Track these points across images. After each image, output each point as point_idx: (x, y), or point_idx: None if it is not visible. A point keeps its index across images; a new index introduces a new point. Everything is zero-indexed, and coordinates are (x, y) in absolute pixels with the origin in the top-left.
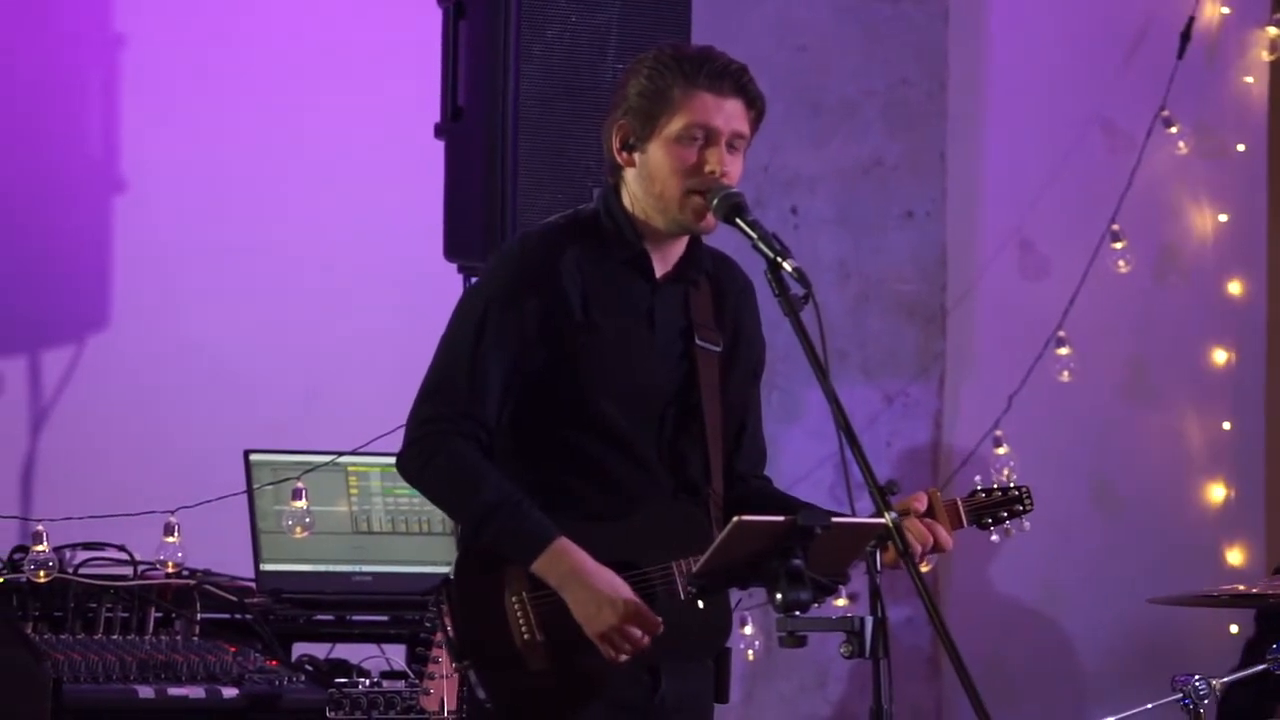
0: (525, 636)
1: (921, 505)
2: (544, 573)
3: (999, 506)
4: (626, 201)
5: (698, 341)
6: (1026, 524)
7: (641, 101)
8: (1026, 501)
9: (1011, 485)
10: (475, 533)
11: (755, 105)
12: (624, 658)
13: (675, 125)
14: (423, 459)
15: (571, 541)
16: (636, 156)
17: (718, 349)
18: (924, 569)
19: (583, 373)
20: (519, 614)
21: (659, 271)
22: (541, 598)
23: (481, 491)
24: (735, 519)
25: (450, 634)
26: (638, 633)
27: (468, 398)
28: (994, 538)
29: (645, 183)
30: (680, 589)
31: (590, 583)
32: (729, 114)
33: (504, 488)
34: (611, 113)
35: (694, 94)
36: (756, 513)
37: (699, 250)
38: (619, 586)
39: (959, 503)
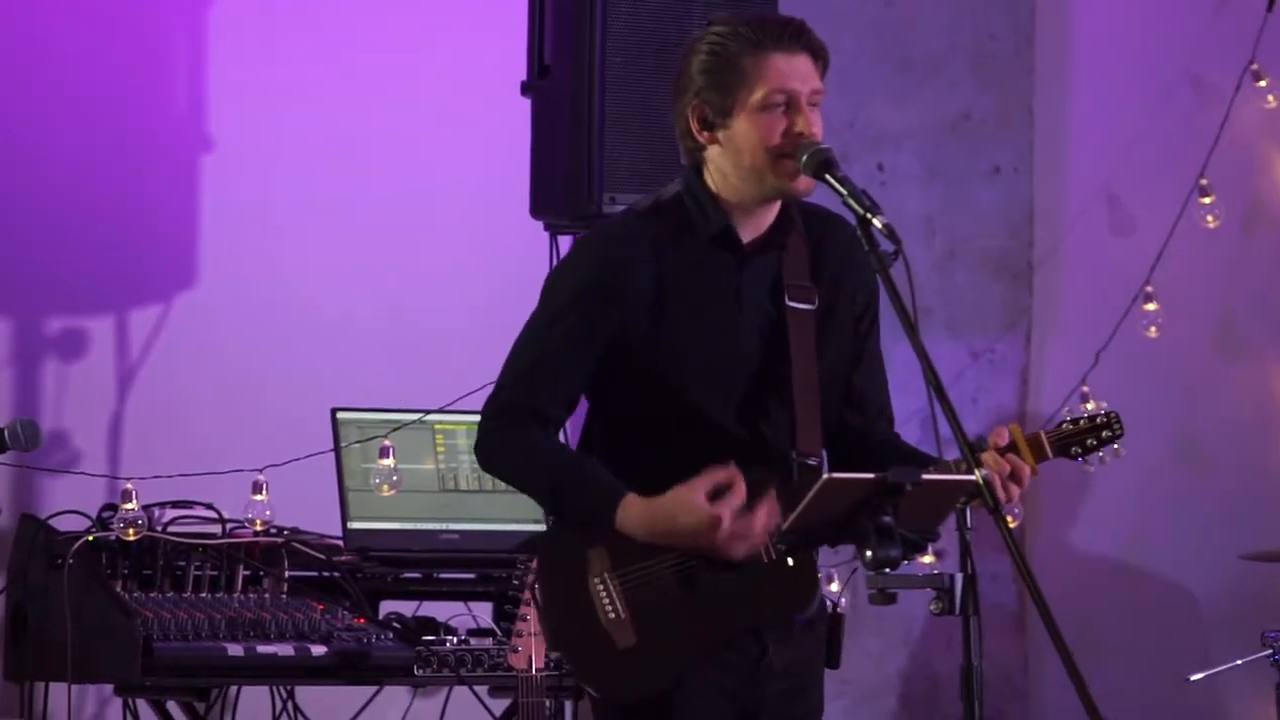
0: (611, 615)
1: (1002, 440)
2: (626, 526)
3: (1086, 434)
4: (710, 179)
5: (789, 302)
6: (1121, 450)
7: (711, 78)
8: (1116, 427)
9: (1100, 413)
10: (554, 507)
11: (821, 56)
12: (745, 550)
13: (756, 95)
14: (491, 446)
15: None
16: (720, 134)
17: (812, 307)
18: (1011, 502)
19: (665, 355)
20: (603, 594)
21: (748, 239)
22: (624, 575)
23: (547, 467)
24: (824, 476)
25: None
26: (733, 512)
27: (537, 391)
28: (1089, 468)
29: (734, 156)
30: (764, 554)
31: (668, 514)
32: (803, 73)
33: (567, 458)
34: (679, 97)
35: (766, 59)
36: (845, 469)
37: (789, 214)
38: (684, 494)
39: (1043, 435)
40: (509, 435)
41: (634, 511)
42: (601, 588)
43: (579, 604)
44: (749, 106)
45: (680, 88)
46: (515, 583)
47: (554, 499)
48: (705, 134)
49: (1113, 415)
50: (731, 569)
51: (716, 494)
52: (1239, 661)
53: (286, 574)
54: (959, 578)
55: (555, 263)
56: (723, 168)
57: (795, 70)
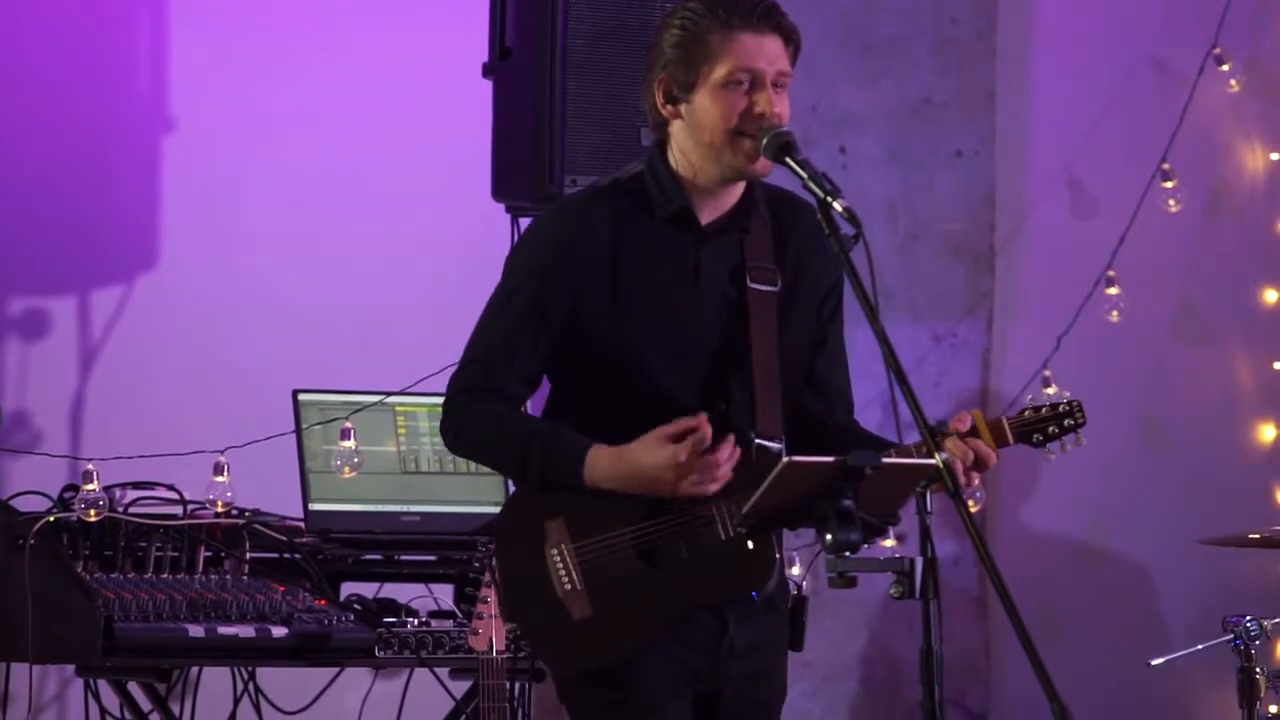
0: (566, 586)
1: (964, 425)
2: (594, 477)
3: (1048, 422)
4: (673, 158)
5: (750, 283)
6: (1082, 439)
7: (679, 52)
8: (1078, 415)
9: (1062, 401)
10: (522, 473)
11: (792, 40)
12: (715, 487)
13: (719, 72)
14: (457, 425)
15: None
16: (682, 108)
17: (774, 289)
18: (973, 487)
19: (621, 333)
20: (559, 565)
21: (707, 220)
22: (581, 547)
23: (512, 433)
24: (784, 459)
25: (499, 585)
26: (694, 449)
27: (499, 371)
28: (1050, 455)
29: (694, 132)
30: (722, 530)
31: (634, 457)
32: (770, 54)
33: (531, 422)
34: (649, 71)
35: (733, 37)
36: (806, 453)
37: (752, 197)
38: (649, 437)
39: (1004, 421)
40: (471, 411)
41: (602, 460)
42: (558, 558)
43: (535, 574)
44: (711, 82)
45: (650, 61)
46: (476, 564)
47: (522, 463)
48: (669, 107)
49: (1075, 404)
50: (689, 543)
51: (682, 438)
52: (1200, 646)
53: (247, 555)
54: (919, 561)
55: None
56: (684, 145)
57: (762, 50)
